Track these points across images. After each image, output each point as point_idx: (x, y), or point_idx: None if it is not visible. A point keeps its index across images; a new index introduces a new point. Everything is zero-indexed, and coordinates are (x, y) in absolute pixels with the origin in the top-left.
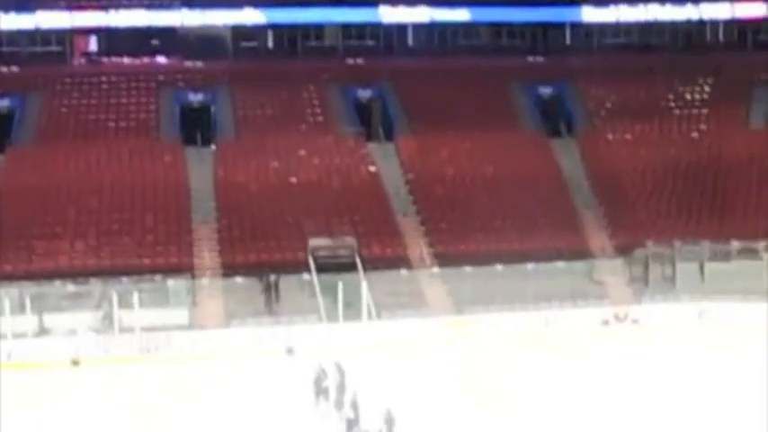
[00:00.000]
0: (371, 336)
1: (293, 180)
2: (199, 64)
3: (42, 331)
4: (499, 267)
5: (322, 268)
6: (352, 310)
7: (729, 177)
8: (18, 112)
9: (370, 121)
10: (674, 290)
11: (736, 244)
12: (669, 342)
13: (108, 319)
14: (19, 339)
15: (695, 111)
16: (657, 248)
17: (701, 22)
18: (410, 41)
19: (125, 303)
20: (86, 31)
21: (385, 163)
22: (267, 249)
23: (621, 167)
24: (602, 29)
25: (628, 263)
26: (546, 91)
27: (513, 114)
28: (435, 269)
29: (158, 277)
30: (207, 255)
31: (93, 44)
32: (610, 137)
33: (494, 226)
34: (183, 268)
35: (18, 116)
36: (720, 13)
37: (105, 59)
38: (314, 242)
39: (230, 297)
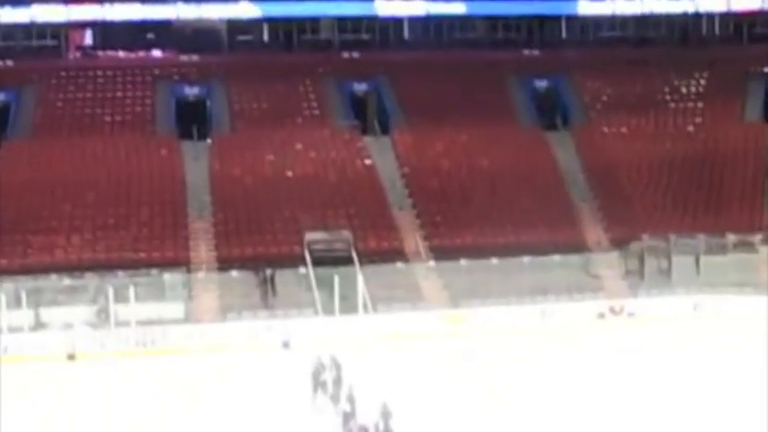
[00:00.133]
0: (367, 329)
1: (289, 174)
2: (194, 57)
3: (39, 325)
4: (495, 261)
5: (318, 262)
6: (349, 303)
7: (725, 170)
8: (13, 106)
9: (366, 115)
10: (670, 283)
11: (731, 237)
12: (665, 335)
13: (104, 313)
14: (15, 333)
15: (691, 104)
16: (653, 242)
17: (697, 16)
18: (406, 35)
19: (121, 297)
20: (82, 25)
21: (381, 156)
22: (263, 243)
23: (617, 161)
24: (598, 22)
25: (623, 256)
26: (542, 84)
27: (509, 108)
28: (431, 262)
29: (154, 271)
30: (203, 248)
31: (88, 38)
32: (605, 130)
33: (489, 219)
34: (179, 262)
35: (13, 110)
36: (716, 6)
37: (101, 53)
38: (310, 236)
39: (226, 291)
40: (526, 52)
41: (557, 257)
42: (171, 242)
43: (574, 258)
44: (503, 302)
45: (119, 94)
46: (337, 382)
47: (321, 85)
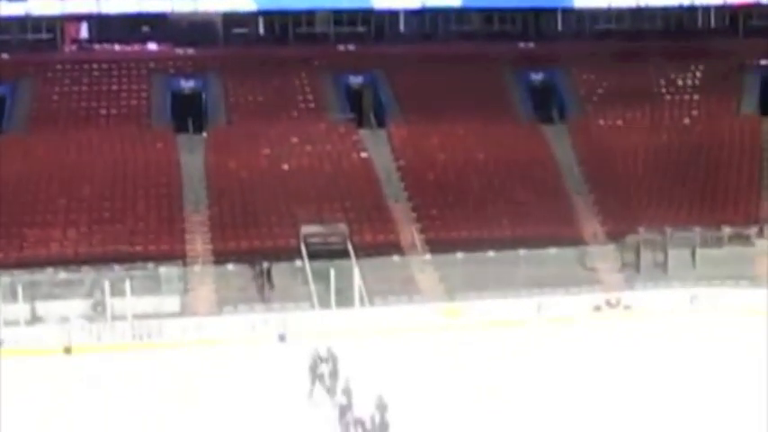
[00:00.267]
0: (364, 322)
1: (285, 167)
2: (190, 51)
3: (35, 319)
4: (491, 254)
5: (314, 255)
6: (345, 296)
7: (721, 163)
8: (9, 99)
9: (362, 108)
10: (666, 276)
11: (727, 230)
12: (661, 328)
13: (100, 306)
14: (11, 327)
15: (686, 97)
16: (649, 234)
17: (693, 8)
18: (402, 28)
19: (117, 291)
20: (77, 18)
21: (376, 150)
22: (259, 236)
23: (613, 153)
24: (594, 14)
25: (620, 249)
26: (537, 77)
27: (505, 100)
28: (427, 255)
29: (150, 265)
30: (199, 242)
31: (84, 31)
32: (601, 123)
33: (485, 212)
34: (175, 255)
35: (9, 103)
36: None
37: (96, 46)
38: (306, 229)
39: (222, 284)
40: (522, 45)
41: (553, 250)
42: (167, 235)
43: (570, 251)
44: (499, 295)
45: (114, 87)
46: (333, 374)
47: (317, 78)
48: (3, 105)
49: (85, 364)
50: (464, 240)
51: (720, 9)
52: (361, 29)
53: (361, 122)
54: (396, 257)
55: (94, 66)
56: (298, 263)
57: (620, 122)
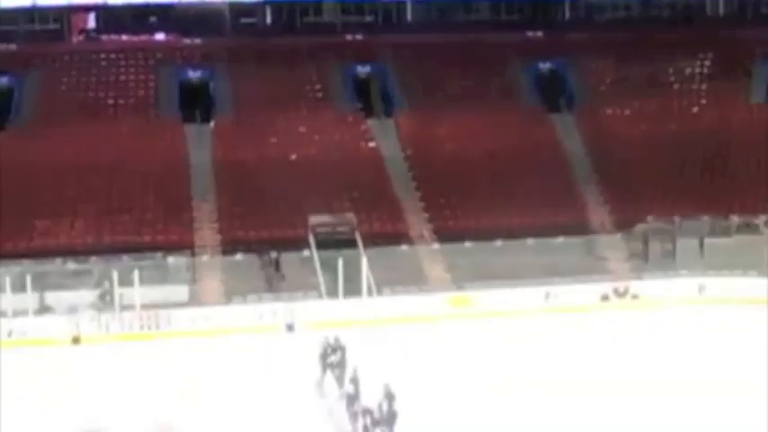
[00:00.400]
0: (372, 312)
1: (293, 157)
2: (197, 41)
3: (43, 309)
4: (499, 243)
5: (322, 245)
6: (352, 286)
7: (730, 152)
8: (16, 90)
9: (370, 98)
10: (674, 265)
11: (736, 219)
12: (669, 317)
13: (108, 296)
14: (20, 317)
15: (695, 86)
16: (657, 224)
17: None
18: (409, 17)
19: (125, 281)
20: (84, 9)
21: (384, 139)
22: (267, 226)
23: (622, 142)
24: (602, 3)
25: (627, 238)
26: (545, 66)
27: (513, 90)
28: (435, 245)
29: (158, 255)
30: (207, 232)
31: (91, 21)
32: (610, 112)
33: (493, 202)
34: (183, 245)
35: (16, 94)
36: None
37: (104, 37)
38: (314, 219)
39: (230, 274)
40: (530, 34)
41: (561, 240)
42: (175, 226)
43: (578, 240)
44: (507, 285)
45: (122, 77)
46: (341, 364)
47: (324, 67)
48: (10, 96)
49: (94, 354)
50: (472, 230)
51: None
52: (368, 18)
53: (368, 112)
54: (404, 247)
55: (102, 56)
56: (306, 252)
57: (628, 112)
